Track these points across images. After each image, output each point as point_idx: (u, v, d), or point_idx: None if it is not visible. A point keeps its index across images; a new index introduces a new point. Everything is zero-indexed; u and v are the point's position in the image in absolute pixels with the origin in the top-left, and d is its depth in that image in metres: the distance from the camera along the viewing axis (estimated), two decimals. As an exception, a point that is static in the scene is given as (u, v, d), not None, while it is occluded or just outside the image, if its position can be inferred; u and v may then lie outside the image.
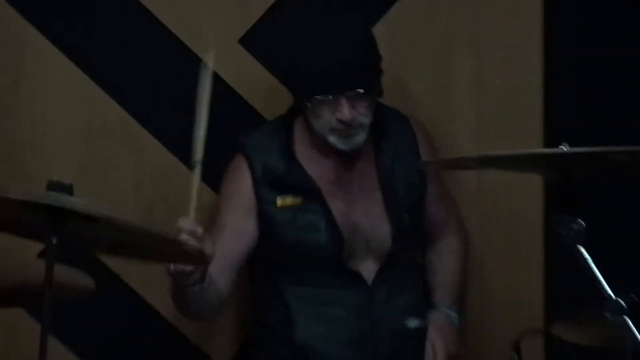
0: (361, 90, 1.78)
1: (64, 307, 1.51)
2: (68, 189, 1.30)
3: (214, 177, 1.93)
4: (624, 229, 2.22)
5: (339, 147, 1.83)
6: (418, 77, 2.24)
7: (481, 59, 2.25)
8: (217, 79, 1.93)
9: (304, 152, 1.91)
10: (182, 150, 1.99)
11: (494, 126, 2.22)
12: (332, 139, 1.82)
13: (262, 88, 2.18)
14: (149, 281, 2.06)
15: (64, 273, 1.39)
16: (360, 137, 1.83)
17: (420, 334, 1.89)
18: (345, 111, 1.77)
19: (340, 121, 1.79)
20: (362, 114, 1.80)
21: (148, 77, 2.17)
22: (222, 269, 1.75)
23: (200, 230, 1.50)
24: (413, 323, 1.89)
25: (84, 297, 1.51)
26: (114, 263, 2.01)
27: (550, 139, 2.13)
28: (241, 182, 1.89)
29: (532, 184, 2.00)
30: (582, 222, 1.26)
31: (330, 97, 1.77)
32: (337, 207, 1.87)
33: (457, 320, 1.96)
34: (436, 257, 2.07)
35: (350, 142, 1.83)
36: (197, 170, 1.63)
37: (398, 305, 1.89)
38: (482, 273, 2.23)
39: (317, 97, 1.77)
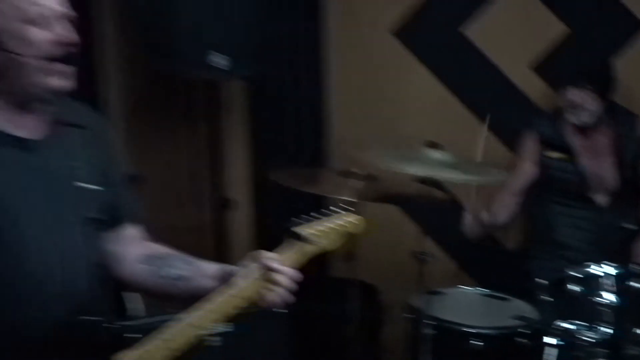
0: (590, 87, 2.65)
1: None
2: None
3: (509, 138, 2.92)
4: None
5: (570, 120, 2.69)
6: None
7: None
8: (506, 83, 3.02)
9: (568, 127, 2.75)
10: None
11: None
12: (567, 114, 2.69)
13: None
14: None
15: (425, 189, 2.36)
16: (585, 117, 2.67)
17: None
18: (576, 97, 2.66)
19: (571, 103, 2.67)
20: (588, 103, 2.66)
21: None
22: (516, 192, 2.80)
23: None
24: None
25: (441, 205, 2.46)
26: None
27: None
28: (530, 144, 2.82)
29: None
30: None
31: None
32: (585, 161, 2.73)
33: None
34: None
35: (577, 118, 2.68)
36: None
37: (621, 221, 2.72)
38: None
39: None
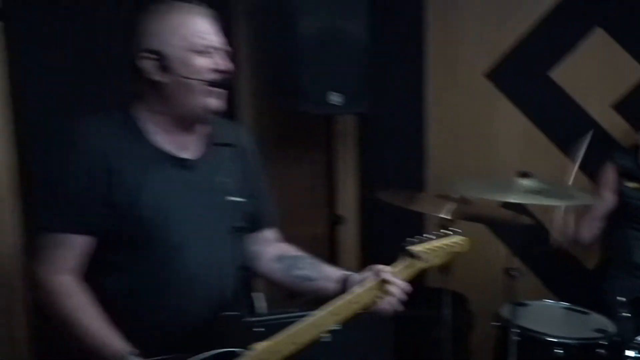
0: None
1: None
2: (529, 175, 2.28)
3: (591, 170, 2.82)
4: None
5: None
6: None
7: None
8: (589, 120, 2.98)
9: None
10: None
11: None
12: None
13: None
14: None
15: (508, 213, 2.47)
16: None
17: None
18: None
19: None
20: None
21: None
22: (597, 217, 2.76)
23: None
24: None
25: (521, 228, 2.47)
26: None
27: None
28: (610, 175, 2.76)
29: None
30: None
31: None
32: None
33: None
34: None
35: None
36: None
37: None
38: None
39: None
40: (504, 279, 2.35)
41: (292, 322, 1.96)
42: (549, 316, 2.54)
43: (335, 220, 2.98)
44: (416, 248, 1.62)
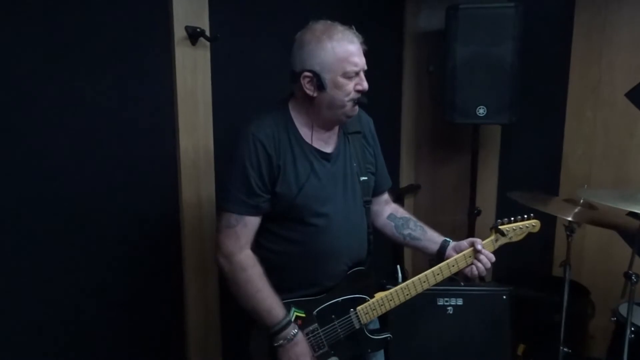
0: None
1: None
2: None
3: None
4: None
5: None
6: None
7: None
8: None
9: None
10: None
11: None
12: None
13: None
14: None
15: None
16: None
17: None
18: None
19: None
20: None
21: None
22: None
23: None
24: None
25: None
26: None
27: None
28: None
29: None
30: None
31: None
32: None
33: None
34: None
35: None
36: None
37: None
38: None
39: None
40: (625, 280, 2.16)
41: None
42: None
43: (474, 212, 2.97)
44: (503, 226, 1.68)
